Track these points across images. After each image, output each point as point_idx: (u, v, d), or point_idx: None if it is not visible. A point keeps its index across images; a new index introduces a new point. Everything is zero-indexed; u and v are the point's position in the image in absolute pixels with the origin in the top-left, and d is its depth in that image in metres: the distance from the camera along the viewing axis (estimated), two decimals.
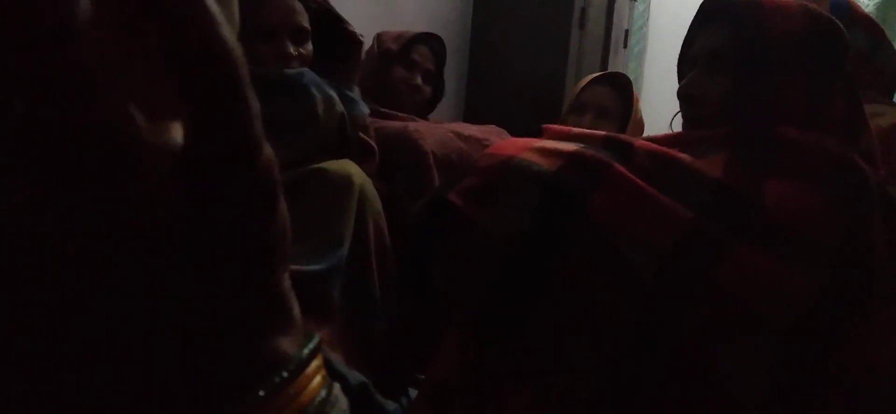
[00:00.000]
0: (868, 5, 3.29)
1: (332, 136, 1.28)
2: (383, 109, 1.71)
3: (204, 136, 0.18)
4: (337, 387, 0.24)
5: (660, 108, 1.70)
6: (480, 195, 0.89)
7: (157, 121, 0.17)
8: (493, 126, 1.89)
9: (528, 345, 0.89)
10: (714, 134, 0.94)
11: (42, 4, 0.15)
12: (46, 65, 0.15)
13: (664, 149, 0.92)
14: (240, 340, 0.21)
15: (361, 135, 1.40)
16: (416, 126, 1.63)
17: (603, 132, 0.97)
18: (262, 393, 0.20)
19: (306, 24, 1.35)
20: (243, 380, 0.20)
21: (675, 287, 0.82)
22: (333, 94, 1.30)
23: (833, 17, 0.96)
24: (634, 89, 1.78)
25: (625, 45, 3.18)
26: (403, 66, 1.79)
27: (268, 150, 0.20)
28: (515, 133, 1.47)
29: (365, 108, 1.44)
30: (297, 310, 0.23)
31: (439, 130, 1.67)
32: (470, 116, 2.52)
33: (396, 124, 1.63)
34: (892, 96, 1.56)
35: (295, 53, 1.31)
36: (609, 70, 2.77)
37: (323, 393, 0.23)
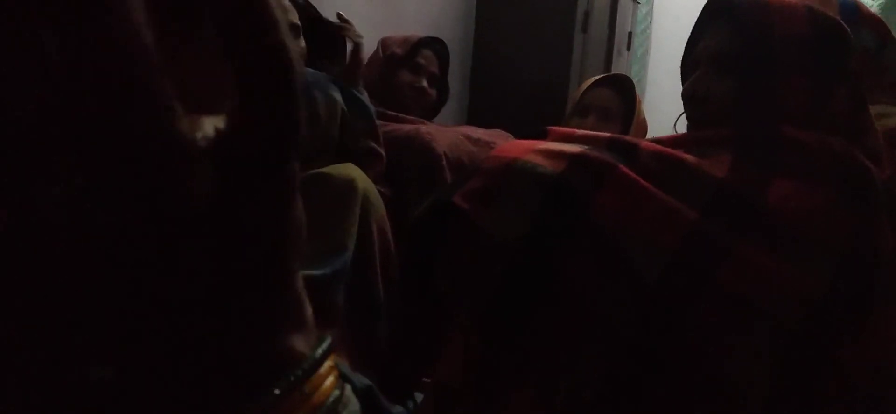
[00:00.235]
0: (872, 6, 3.29)
1: (332, 138, 1.28)
2: (392, 112, 1.71)
3: (253, 132, 0.19)
4: (349, 388, 0.24)
5: (663, 109, 1.70)
6: (484, 197, 0.89)
7: (194, 114, 0.18)
8: (499, 130, 1.90)
9: (532, 346, 0.89)
10: (718, 134, 0.94)
11: (96, 4, 0.16)
12: (99, 60, 0.16)
13: (668, 150, 0.92)
14: (256, 338, 0.21)
15: (369, 141, 1.40)
16: (427, 129, 1.64)
17: (607, 134, 0.97)
18: (277, 391, 0.21)
19: (297, 21, 1.35)
20: (259, 377, 0.20)
21: (679, 287, 0.81)
22: (337, 95, 1.30)
23: (837, 18, 0.95)
24: (637, 91, 1.78)
25: (628, 48, 3.18)
26: (409, 69, 1.80)
27: None
28: (519, 136, 1.47)
29: (372, 109, 1.44)
30: (310, 311, 0.23)
31: (450, 133, 1.69)
32: (473, 120, 2.52)
33: (408, 127, 1.64)
34: None
35: None
36: (612, 72, 2.77)
37: (336, 392, 0.23)
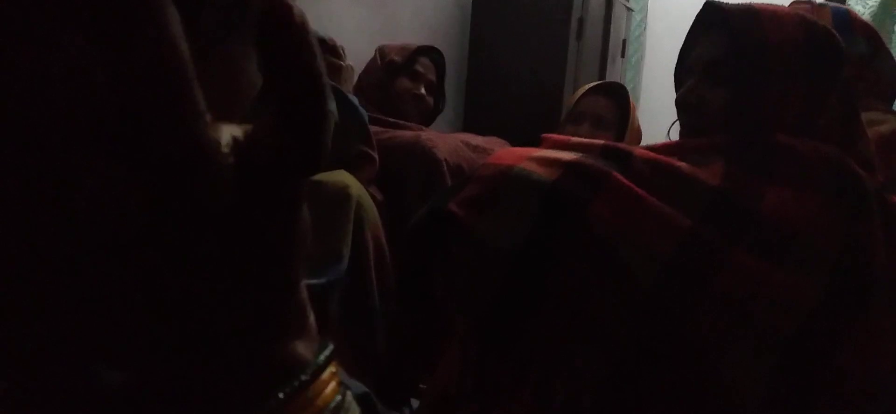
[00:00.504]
0: (863, 14, 3.31)
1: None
2: (391, 119, 1.72)
3: (283, 147, 0.20)
4: (350, 394, 0.25)
5: (658, 116, 1.71)
6: (481, 204, 0.90)
7: (219, 123, 0.19)
8: (496, 137, 1.91)
9: (530, 352, 0.89)
10: (712, 142, 0.95)
11: (142, 18, 0.17)
12: (144, 68, 0.17)
13: (663, 157, 0.92)
14: (263, 342, 0.22)
15: (361, 145, 1.40)
16: (428, 135, 1.64)
17: (601, 141, 0.97)
18: (281, 395, 0.21)
19: None
20: (264, 381, 0.21)
21: (675, 294, 0.82)
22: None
23: (828, 27, 0.96)
24: (632, 98, 1.78)
25: (622, 55, 3.19)
26: (408, 77, 1.81)
27: None
28: (514, 143, 1.48)
29: (364, 113, 1.44)
30: (312, 319, 0.24)
31: (449, 139, 1.70)
32: (468, 127, 2.53)
33: (408, 134, 1.64)
34: (891, 103, 1.56)
35: None
36: (606, 79, 2.78)
37: (338, 397, 0.23)
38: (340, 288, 1.16)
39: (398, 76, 1.80)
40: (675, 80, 1.08)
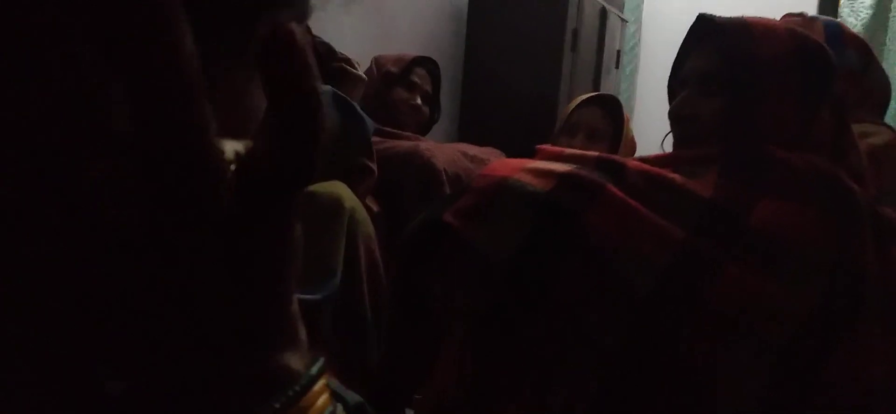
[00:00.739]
0: (856, 26, 3.34)
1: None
2: (388, 129, 1.73)
3: (276, 164, 0.21)
4: (341, 407, 0.25)
5: (652, 127, 1.71)
6: (476, 215, 0.90)
7: (222, 137, 0.20)
8: (492, 148, 1.92)
9: (525, 362, 0.90)
10: (705, 154, 0.95)
11: (158, 29, 0.18)
12: (159, 79, 0.18)
13: (656, 169, 0.93)
14: (256, 354, 0.22)
15: (362, 157, 1.40)
16: (426, 145, 1.65)
17: (596, 153, 0.98)
18: (276, 405, 0.22)
19: None
20: (256, 392, 0.22)
21: (669, 305, 0.82)
22: (331, 108, 1.30)
23: (819, 40, 0.97)
24: (626, 109, 1.79)
25: (617, 66, 3.21)
26: (404, 87, 1.82)
27: None
28: (509, 154, 1.48)
29: (370, 125, 1.44)
30: (303, 332, 0.24)
31: (447, 149, 1.71)
32: (464, 137, 2.54)
33: (406, 143, 1.65)
34: (882, 115, 1.58)
35: None
36: (601, 90, 2.79)
37: (330, 409, 0.24)
38: (333, 301, 1.16)
39: (394, 87, 1.81)
40: (669, 92, 1.09)
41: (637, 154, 1.67)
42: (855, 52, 1.49)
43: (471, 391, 0.93)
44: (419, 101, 1.84)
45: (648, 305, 0.82)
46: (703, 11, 1.03)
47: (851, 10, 3.40)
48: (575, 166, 0.92)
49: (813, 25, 1.49)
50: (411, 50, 1.98)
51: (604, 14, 2.84)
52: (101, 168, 0.18)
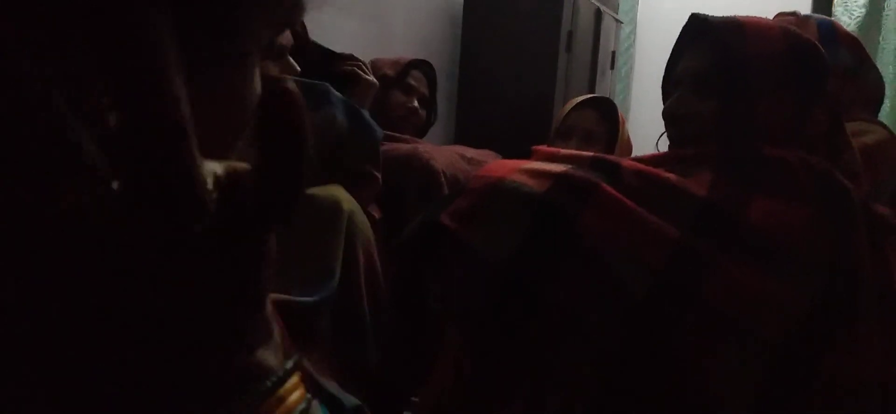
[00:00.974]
0: (850, 24, 3.34)
1: (318, 155, 1.28)
2: (386, 132, 1.73)
3: (262, 190, 0.23)
4: (316, 403, 0.27)
5: (647, 128, 1.72)
6: (472, 217, 0.91)
7: (206, 159, 0.22)
8: (488, 150, 1.92)
9: (522, 363, 0.90)
10: (699, 153, 0.96)
11: (144, 59, 0.19)
12: (146, 111, 0.19)
13: (651, 168, 0.93)
14: (235, 350, 0.24)
15: (368, 164, 1.40)
16: (425, 148, 1.65)
17: (591, 153, 0.98)
18: (252, 396, 0.24)
19: (288, 43, 1.37)
20: (233, 386, 0.23)
21: (665, 304, 0.83)
22: (340, 115, 1.30)
23: (812, 39, 0.98)
24: (621, 110, 1.79)
25: (612, 67, 3.21)
26: (401, 90, 1.83)
27: None
28: (505, 155, 1.48)
29: (379, 133, 1.45)
30: (278, 332, 0.26)
31: (446, 151, 1.71)
32: (460, 139, 2.54)
33: (405, 147, 1.65)
34: (876, 113, 1.58)
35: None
36: (596, 92, 2.79)
37: (303, 405, 0.26)
38: (330, 303, 1.16)
39: (391, 90, 1.81)
40: (663, 92, 1.10)
41: (633, 155, 1.67)
42: (848, 50, 1.50)
43: (469, 393, 0.93)
44: (416, 103, 1.85)
45: (644, 305, 0.83)
46: (696, 11, 1.04)
47: (845, 9, 3.41)
48: (570, 166, 0.92)
49: (806, 24, 1.50)
50: (407, 53, 1.99)
51: (599, 15, 2.85)
52: (73, 196, 0.19)
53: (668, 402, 0.83)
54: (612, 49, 3.17)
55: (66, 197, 0.19)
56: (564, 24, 2.52)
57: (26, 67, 0.18)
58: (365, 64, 1.51)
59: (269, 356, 0.25)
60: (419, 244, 0.96)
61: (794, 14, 1.59)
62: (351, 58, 1.51)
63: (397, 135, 1.75)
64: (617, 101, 1.98)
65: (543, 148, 1.04)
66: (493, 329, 0.91)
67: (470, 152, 1.80)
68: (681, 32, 1.06)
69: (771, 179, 0.90)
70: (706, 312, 0.82)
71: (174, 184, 0.20)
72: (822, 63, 0.96)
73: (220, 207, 0.22)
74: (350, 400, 1.04)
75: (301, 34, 1.45)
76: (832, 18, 1.63)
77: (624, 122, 1.75)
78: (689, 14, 1.04)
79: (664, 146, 1.08)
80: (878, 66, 1.56)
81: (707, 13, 1.02)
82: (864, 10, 3.40)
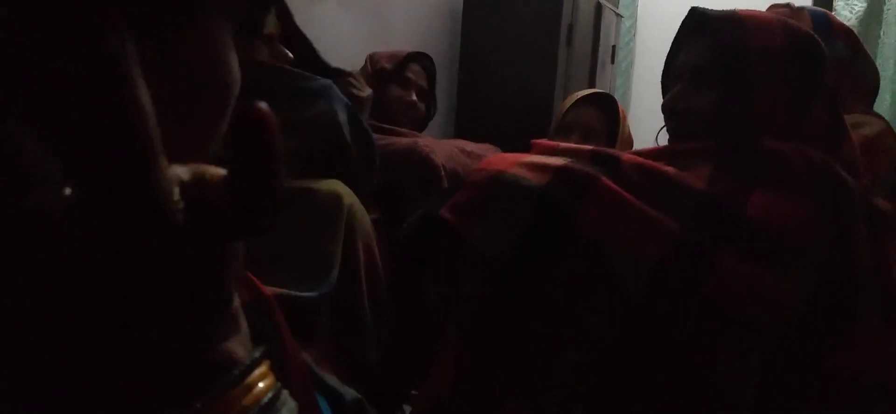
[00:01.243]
0: (850, 19, 3.34)
1: (316, 148, 1.28)
2: (386, 126, 1.73)
3: (234, 216, 0.23)
4: (286, 392, 0.28)
5: (648, 121, 1.72)
6: (471, 210, 0.91)
7: (171, 166, 0.22)
8: (488, 144, 1.92)
9: (522, 358, 0.90)
10: (699, 147, 0.96)
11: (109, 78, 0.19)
12: (112, 132, 0.19)
13: (650, 162, 0.93)
14: (204, 342, 0.25)
15: (364, 167, 1.40)
16: (424, 141, 1.65)
17: (590, 147, 0.98)
18: (219, 386, 0.24)
19: (273, 31, 1.37)
20: (200, 376, 0.24)
21: (664, 298, 0.83)
22: (341, 115, 1.30)
23: (811, 32, 0.98)
24: (621, 104, 1.79)
25: (612, 61, 3.21)
26: (398, 84, 1.82)
27: None
28: (505, 149, 1.48)
29: (373, 139, 1.45)
30: (245, 325, 0.27)
31: (446, 145, 1.70)
32: (459, 133, 2.54)
33: (405, 140, 1.65)
34: (871, 104, 1.58)
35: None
36: (596, 86, 2.79)
37: (271, 394, 0.27)
38: (330, 298, 1.16)
39: (389, 83, 1.81)
40: (662, 86, 1.10)
41: (633, 149, 1.67)
42: (843, 41, 1.50)
43: (468, 388, 0.94)
44: (414, 97, 1.84)
45: (643, 299, 0.83)
46: (695, 5, 1.04)
47: (846, 3, 3.41)
48: (570, 160, 0.93)
49: (800, 16, 1.50)
50: (406, 47, 1.98)
51: (599, 9, 2.85)
52: (30, 201, 0.20)
53: (668, 396, 0.83)
54: (612, 43, 3.17)
55: (12, 200, 0.19)
56: (565, 18, 2.52)
57: None
58: (358, 79, 1.51)
59: (237, 347, 0.26)
60: (419, 238, 0.96)
61: (787, 6, 1.59)
62: (347, 74, 1.50)
63: (396, 128, 1.75)
64: (617, 96, 1.98)
65: (543, 141, 1.04)
66: (493, 324, 0.91)
67: (470, 146, 1.80)
68: (680, 26, 1.06)
69: (770, 173, 0.90)
70: (705, 307, 0.82)
71: (131, 196, 0.20)
72: (821, 55, 0.96)
73: (188, 219, 0.22)
74: (350, 393, 1.04)
75: (288, 24, 1.44)
76: (826, 10, 1.62)
77: (625, 119, 1.74)
78: (689, 8, 1.04)
79: (664, 140, 1.08)
80: (879, 61, 1.57)
81: (706, 7, 1.02)
82: (864, 4, 3.40)
